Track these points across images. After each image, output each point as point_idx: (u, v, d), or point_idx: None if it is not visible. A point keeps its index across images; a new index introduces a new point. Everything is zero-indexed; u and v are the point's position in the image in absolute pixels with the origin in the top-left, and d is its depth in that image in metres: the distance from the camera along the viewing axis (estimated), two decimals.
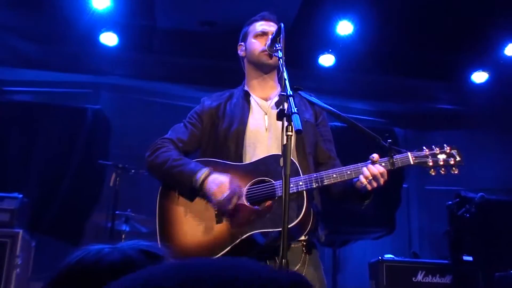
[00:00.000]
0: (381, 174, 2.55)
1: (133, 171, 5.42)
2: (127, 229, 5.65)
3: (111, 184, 5.29)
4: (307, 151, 2.77)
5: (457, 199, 5.42)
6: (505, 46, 6.54)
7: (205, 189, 2.57)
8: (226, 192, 2.51)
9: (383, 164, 2.59)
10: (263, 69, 2.92)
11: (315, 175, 2.58)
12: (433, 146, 2.69)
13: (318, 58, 6.73)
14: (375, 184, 2.56)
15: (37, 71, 6.89)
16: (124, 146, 6.58)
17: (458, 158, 2.68)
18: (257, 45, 2.89)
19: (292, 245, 2.56)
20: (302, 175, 2.56)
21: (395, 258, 5.41)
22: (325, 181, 2.56)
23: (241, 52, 3.03)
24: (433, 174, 2.67)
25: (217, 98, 2.97)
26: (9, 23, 6.17)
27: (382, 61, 6.76)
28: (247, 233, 2.51)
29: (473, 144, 7.70)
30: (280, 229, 2.14)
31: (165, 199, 2.74)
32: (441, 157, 2.67)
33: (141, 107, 7.30)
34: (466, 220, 5.25)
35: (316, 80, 7.07)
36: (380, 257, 5.26)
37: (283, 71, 2.42)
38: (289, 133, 2.16)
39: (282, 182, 2.16)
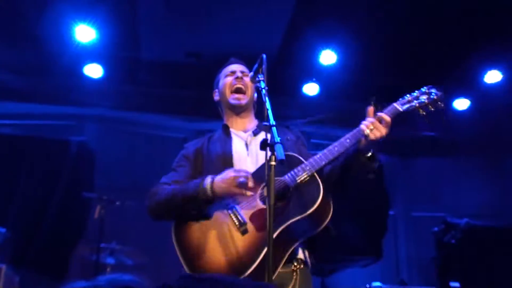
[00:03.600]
0: (382, 119, 2.62)
1: (118, 203, 5.38)
2: (112, 261, 5.57)
3: (95, 216, 5.24)
4: None
5: (443, 226, 5.45)
6: (485, 74, 6.66)
7: (217, 191, 2.56)
8: (238, 179, 2.52)
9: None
10: (235, 110, 3.03)
11: (318, 155, 2.62)
12: (414, 91, 2.84)
13: (302, 87, 6.80)
14: (378, 134, 2.60)
15: (20, 104, 6.86)
16: (109, 177, 6.54)
17: (439, 93, 2.83)
18: (226, 81, 3.04)
19: (282, 270, 2.52)
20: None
21: (383, 285, 5.39)
22: (329, 156, 2.61)
23: (216, 98, 3.16)
24: (423, 114, 2.79)
25: (198, 141, 3.04)
26: None
27: (365, 89, 6.83)
28: (280, 226, 2.45)
29: (457, 170, 7.78)
30: (308, 212, 2.30)
31: (180, 233, 2.68)
32: (424, 97, 2.81)
33: (125, 139, 7.28)
34: (453, 246, 5.27)
35: (300, 108, 7.13)
36: (368, 285, 5.24)
37: (265, 101, 2.44)
38: (272, 163, 2.17)
39: (267, 211, 2.14)
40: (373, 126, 2.60)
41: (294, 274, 2.62)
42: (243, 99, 3.01)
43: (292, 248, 2.54)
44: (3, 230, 4.84)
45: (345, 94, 6.85)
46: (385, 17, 5.74)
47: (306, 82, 6.77)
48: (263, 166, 2.63)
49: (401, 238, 7.85)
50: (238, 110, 3.03)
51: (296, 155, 2.68)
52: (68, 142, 6.16)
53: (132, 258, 5.64)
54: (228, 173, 2.57)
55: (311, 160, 2.61)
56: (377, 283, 5.39)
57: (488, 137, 7.55)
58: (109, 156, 6.81)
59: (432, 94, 2.82)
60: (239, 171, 2.58)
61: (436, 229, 5.54)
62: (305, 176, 2.56)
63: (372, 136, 2.60)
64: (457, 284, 5.10)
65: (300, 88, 6.81)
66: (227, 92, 3.04)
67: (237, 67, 3.10)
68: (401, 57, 6.40)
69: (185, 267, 2.56)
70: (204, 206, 2.61)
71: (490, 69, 6.63)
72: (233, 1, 5.61)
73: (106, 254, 5.50)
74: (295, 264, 2.64)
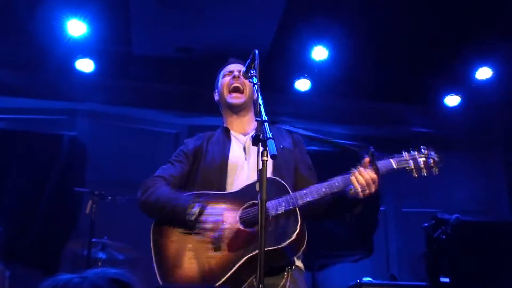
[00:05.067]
0: (373, 180, 2.63)
1: (109, 198, 5.37)
2: (104, 256, 5.57)
3: (87, 211, 5.23)
4: (283, 173, 2.82)
5: (433, 221, 5.47)
6: (476, 70, 6.69)
7: (201, 224, 2.61)
8: (223, 225, 2.59)
9: (369, 170, 2.65)
10: (233, 109, 3.06)
11: (304, 191, 2.63)
12: (411, 150, 2.79)
13: (294, 83, 6.81)
14: (367, 192, 2.63)
15: (12, 98, 6.83)
16: (101, 172, 6.52)
17: (436, 158, 2.80)
18: (224, 81, 3.08)
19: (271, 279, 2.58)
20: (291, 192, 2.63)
21: (374, 281, 5.41)
22: (315, 196, 2.63)
23: (216, 98, 3.20)
24: (416, 176, 2.78)
25: (199, 138, 3.07)
26: None
27: (357, 85, 6.86)
28: (249, 253, 2.52)
29: (448, 166, 7.80)
30: (282, 245, 2.32)
31: (159, 235, 2.75)
32: (421, 159, 2.77)
33: (117, 133, 7.27)
34: (443, 242, 5.29)
35: (292, 104, 7.14)
36: (358, 280, 5.26)
37: (258, 97, 2.46)
38: (265, 158, 2.18)
39: (259, 207, 2.16)
40: (366, 184, 2.62)
41: (285, 273, 2.66)
42: (241, 98, 3.03)
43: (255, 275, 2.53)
44: None
45: (337, 90, 6.87)
46: (377, 13, 5.76)
47: (298, 77, 6.78)
48: (251, 185, 2.69)
49: (392, 233, 7.89)
50: (236, 110, 3.06)
51: (283, 183, 2.67)
52: (60, 137, 6.13)
53: (123, 253, 5.64)
54: (221, 220, 2.61)
55: (297, 194, 2.63)
56: (368, 278, 5.42)
57: (478, 133, 7.60)
58: (101, 151, 6.80)
59: (430, 158, 2.79)
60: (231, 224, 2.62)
61: (426, 224, 5.56)
62: (286, 209, 2.58)
63: (361, 194, 2.64)
64: (447, 280, 5.13)
65: (292, 83, 6.82)
66: (225, 91, 3.06)
67: (235, 67, 3.12)
68: (393, 53, 6.42)
69: (158, 275, 2.64)
70: (183, 227, 2.68)
71: (481, 66, 6.66)
72: None
73: (97, 249, 5.50)
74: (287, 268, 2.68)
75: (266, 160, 2.18)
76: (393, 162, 2.75)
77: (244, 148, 2.93)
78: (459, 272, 5.22)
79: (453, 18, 5.83)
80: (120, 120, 7.36)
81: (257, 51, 2.56)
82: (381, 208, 6.88)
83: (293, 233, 2.50)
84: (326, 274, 6.62)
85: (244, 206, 2.66)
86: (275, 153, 2.13)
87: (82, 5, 5.66)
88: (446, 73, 6.80)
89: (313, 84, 6.78)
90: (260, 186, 2.14)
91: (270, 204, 2.58)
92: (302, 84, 6.81)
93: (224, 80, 3.10)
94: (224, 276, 2.53)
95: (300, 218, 2.55)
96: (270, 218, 2.56)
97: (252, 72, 2.58)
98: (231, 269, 2.52)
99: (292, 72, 6.77)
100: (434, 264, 5.32)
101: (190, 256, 2.63)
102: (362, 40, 6.14)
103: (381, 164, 2.72)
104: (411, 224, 7.42)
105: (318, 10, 5.71)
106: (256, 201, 2.47)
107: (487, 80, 6.76)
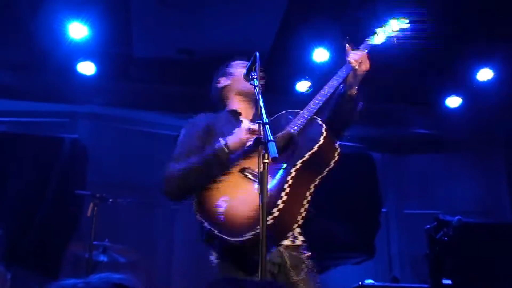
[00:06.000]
0: (363, 57, 2.86)
1: (111, 200, 5.36)
2: (105, 259, 5.56)
3: (88, 214, 5.22)
4: None
5: (435, 223, 5.47)
6: (477, 71, 6.69)
7: (232, 146, 2.63)
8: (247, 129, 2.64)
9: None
10: (250, 96, 3.00)
11: (312, 102, 2.83)
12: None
13: (295, 84, 6.81)
14: (363, 67, 2.83)
15: (13, 101, 6.84)
16: (102, 175, 6.53)
17: (402, 20, 3.10)
18: (243, 85, 2.92)
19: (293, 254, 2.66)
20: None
21: (376, 283, 5.41)
22: (324, 98, 2.85)
23: (223, 82, 3.14)
24: (395, 41, 3.08)
25: (206, 117, 3.03)
26: None
27: (358, 86, 6.85)
28: (297, 162, 2.56)
29: (449, 167, 7.82)
30: (315, 147, 2.54)
31: (204, 206, 2.64)
32: (393, 24, 3.08)
33: (118, 136, 7.27)
34: (445, 244, 5.28)
35: (293, 106, 7.12)
36: (360, 282, 5.26)
37: (259, 99, 2.45)
38: (266, 161, 2.18)
39: (259, 207, 2.14)
40: (361, 60, 2.83)
41: (305, 260, 2.71)
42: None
43: (308, 194, 2.60)
44: None
45: None
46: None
47: (299, 79, 6.78)
48: (275, 118, 2.84)
49: (394, 235, 7.88)
50: (253, 97, 2.88)
51: (294, 110, 2.85)
52: (62, 140, 6.14)
53: (125, 255, 5.63)
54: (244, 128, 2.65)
55: (307, 107, 2.78)
56: (370, 281, 5.42)
57: (479, 134, 7.59)
58: (102, 153, 6.80)
59: (399, 20, 3.09)
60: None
61: (428, 226, 5.56)
62: (306, 122, 2.71)
63: (359, 70, 2.83)
64: (449, 281, 5.13)
65: (293, 85, 6.82)
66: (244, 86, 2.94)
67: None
68: (393, 53, 6.40)
69: (216, 232, 2.52)
70: (224, 164, 2.65)
71: (482, 67, 6.65)
72: None
73: (98, 252, 5.49)
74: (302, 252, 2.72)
75: (267, 163, 2.18)
76: (370, 40, 3.02)
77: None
78: (461, 274, 5.21)
79: (454, 19, 5.82)
80: (122, 123, 7.37)
81: (258, 54, 2.56)
82: (383, 210, 6.89)
83: (322, 131, 2.62)
84: (328, 276, 6.62)
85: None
86: (276, 155, 2.13)
87: (84, 8, 5.67)
88: (447, 74, 6.79)
89: (314, 86, 6.78)
90: (261, 189, 2.13)
91: (291, 128, 2.70)
92: (303, 86, 6.81)
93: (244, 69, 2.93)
94: (280, 200, 2.44)
95: (321, 122, 2.69)
96: (296, 136, 2.67)
97: (253, 74, 2.58)
98: (283, 191, 2.46)
99: (293, 74, 6.77)
100: (436, 266, 5.32)
101: (240, 200, 2.56)
102: None
103: (363, 46, 2.97)
104: (413, 225, 7.41)
105: (319, 12, 5.71)
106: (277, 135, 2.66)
107: (488, 82, 6.75)
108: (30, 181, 5.92)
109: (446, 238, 5.28)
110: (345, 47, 2.96)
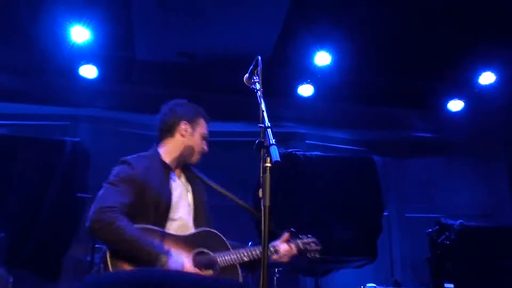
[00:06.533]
0: (289, 253, 3.31)
1: None
2: None
3: None
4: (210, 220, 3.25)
5: (437, 227, 5.46)
6: (479, 75, 6.68)
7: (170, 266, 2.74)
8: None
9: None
10: (184, 162, 3.29)
11: (243, 252, 3.06)
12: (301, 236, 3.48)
13: (297, 88, 6.81)
14: (284, 259, 3.27)
15: (14, 104, 6.84)
16: (103, 178, 6.50)
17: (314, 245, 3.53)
18: (203, 145, 3.31)
19: None
20: None
21: (377, 286, 5.40)
22: (244, 258, 3.07)
23: (182, 131, 3.29)
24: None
25: (137, 163, 3.14)
26: None
27: (360, 90, 6.86)
28: None
29: (451, 171, 7.80)
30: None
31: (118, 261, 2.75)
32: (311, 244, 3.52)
33: (120, 139, 7.26)
34: (447, 247, 5.28)
35: (295, 109, 7.14)
36: (362, 286, 5.24)
37: (260, 103, 2.45)
38: (267, 165, 2.17)
39: (262, 213, 2.14)
40: (286, 254, 3.28)
41: None
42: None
43: None
44: None
45: (339, 95, 6.87)
46: (379, 18, 5.76)
47: (301, 83, 6.78)
48: (200, 232, 3.04)
49: (395, 239, 7.86)
50: (193, 163, 3.32)
51: (221, 236, 3.10)
52: (63, 143, 6.15)
53: None
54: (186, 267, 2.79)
55: (236, 253, 3.03)
56: (371, 284, 5.40)
57: (481, 137, 7.58)
58: (103, 156, 6.78)
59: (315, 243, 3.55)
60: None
61: (430, 230, 5.55)
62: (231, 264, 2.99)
63: (280, 259, 3.24)
64: (451, 285, 5.12)
65: (295, 89, 6.82)
66: (198, 150, 3.29)
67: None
68: (396, 58, 6.42)
69: None
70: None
71: (484, 71, 6.65)
72: (228, 2, 5.60)
73: (100, 255, 5.49)
74: None
75: (269, 167, 2.18)
76: (300, 242, 3.42)
77: (188, 193, 3.24)
78: (463, 278, 5.21)
79: (457, 23, 5.83)
80: (123, 126, 7.37)
81: (259, 58, 2.56)
82: (385, 213, 6.87)
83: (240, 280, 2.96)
84: (329, 280, 6.61)
85: (195, 251, 2.93)
86: (279, 159, 2.13)
87: (85, 11, 5.68)
88: (449, 78, 6.80)
89: (316, 89, 6.78)
90: (263, 192, 2.13)
91: (218, 255, 2.95)
92: (305, 90, 6.81)
93: (201, 143, 3.30)
94: None
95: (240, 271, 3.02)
96: (217, 268, 2.92)
97: (254, 78, 2.58)
98: None
99: (295, 77, 6.78)
100: (438, 270, 5.31)
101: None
102: (365, 45, 6.14)
103: (298, 243, 3.39)
104: (414, 229, 7.40)
105: (320, 16, 5.71)
106: (205, 250, 2.96)
107: (490, 85, 6.75)
108: (31, 184, 5.92)
109: (448, 242, 5.27)
110: (285, 232, 3.34)
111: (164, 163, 3.17)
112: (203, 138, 3.31)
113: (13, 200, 5.80)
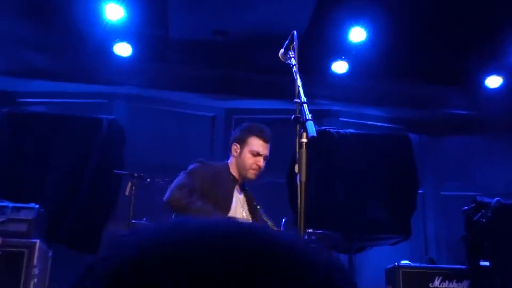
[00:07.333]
0: None
1: (148, 180, 5.42)
2: None
3: (126, 193, 5.30)
4: None
5: (473, 204, 5.39)
6: None
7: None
8: None
9: None
10: (244, 178, 3.67)
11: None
12: None
13: (331, 65, 6.74)
14: None
15: (51, 82, 6.95)
16: (139, 155, 6.61)
17: None
18: (251, 162, 3.56)
19: None
20: None
21: (412, 264, 5.38)
22: None
23: (234, 152, 3.67)
24: None
25: (210, 167, 3.66)
26: (23, 35, 6.24)
27: (396, 67, 6.75)
28: None
29: (488, 149, 7.66)
30: None
31: None
32: None
33: (154, 117, 7.35)
34: (483, 225, 5.21)
35: (329, 87, 7.08)
36: (396, 263, 5.23)
37: (296, 78, 2.45)
38: (303, 140, 2.17)
39: (298, 189, 2.16)
40: None
41: None
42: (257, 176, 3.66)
43: None
44: (36, 206, 4.95)
45: (374, 72, 6.78)
46: None
47: (335, 60, 6.71)
48: None
49: (430, 217, 7.80)
50: (246, 180, 3.69)
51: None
52: (100, 120, 6.23)
53: None
54: None
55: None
56: (406, 261, 5.38)
57: None
58: (139, 134, 6.88)
59: None
60: None
61: (466, 208, 5.48)
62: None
63: None
64: (487, 263, 5.06)
65: (328, 66, 6.75)
66: (247, 167, 3.60)
67: (264, 151, 3.59)
68: (433, 34, 6.29)
69: None
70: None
71: None
72: None
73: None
74: None
75: (305, 142, 2.18)
76: None
77: (242, 209, 3.58)
78: (499, 256, 5.14)
79: None
80: (157, 104, 7.44)
81: (295, 32, 2.54)
82: (420, 191, 6.81)
83: None
84: (363, 257, 6.61)
85: None
86: (315, 134, 2.13)
87: None
88: (487, 54, 6.64)
89: (351, 66, 6.71)
90: (299, 167, 2.14)
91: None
92: (339, 67, 6.74)
93: (251, 159, 3.59)
94: None
95: None
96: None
97: (290, 53, 2.57)
98: None
99: (329, 54, 6.71)
100: (474, 248, 5.26)
101: None
102: (401, 20, 6.03)
103: None
104: (450, 207, 7.32)
105: None
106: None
107: None
108: (69, 161, 6.03)
109: (484, 220, 5.20)
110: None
111: (233, 177, 3.62)
112: (254, 154, 3.56)
113: (52, 177, 5.92)
